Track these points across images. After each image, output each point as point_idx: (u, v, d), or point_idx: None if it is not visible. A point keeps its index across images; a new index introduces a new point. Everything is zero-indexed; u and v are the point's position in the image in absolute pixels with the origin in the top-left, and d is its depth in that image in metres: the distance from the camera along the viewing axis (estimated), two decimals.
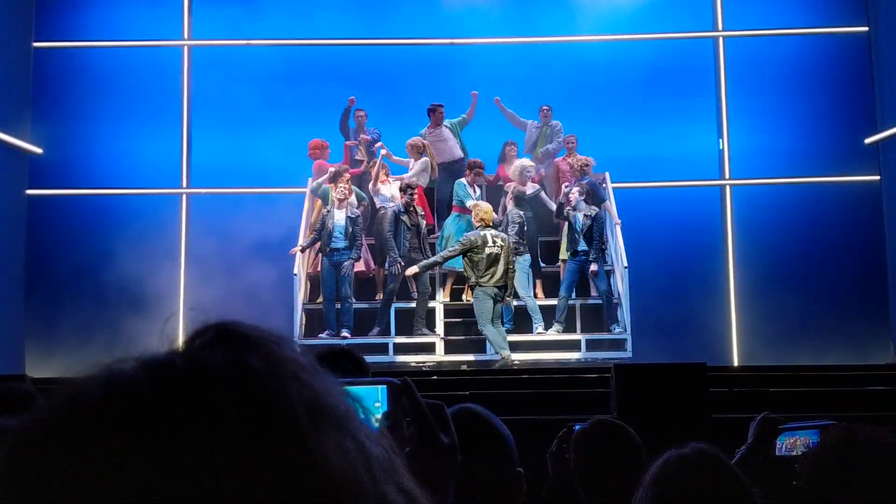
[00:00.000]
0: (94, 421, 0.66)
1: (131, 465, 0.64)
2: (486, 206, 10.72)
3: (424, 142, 12.29)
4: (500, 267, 10.35)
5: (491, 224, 10.55)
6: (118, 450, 0.64)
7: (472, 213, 10.72)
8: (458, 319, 11.45)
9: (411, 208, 11.18)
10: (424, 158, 12.17)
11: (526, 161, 12.03)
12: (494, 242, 10.39)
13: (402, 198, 11.22)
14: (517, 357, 10.93)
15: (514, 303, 11.21)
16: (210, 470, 0.64)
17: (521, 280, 11.26)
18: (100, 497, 0.63)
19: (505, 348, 10.47)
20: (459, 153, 12.39)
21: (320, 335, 11.38)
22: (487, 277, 10.32)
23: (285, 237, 12.25)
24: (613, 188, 12.35)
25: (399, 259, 11.08)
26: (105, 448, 0.65)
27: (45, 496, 0.64)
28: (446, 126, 12.42)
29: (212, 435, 0.66)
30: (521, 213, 11.44)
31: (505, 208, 11.72)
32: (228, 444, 0.66)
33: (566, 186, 11.69)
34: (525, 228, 11.42)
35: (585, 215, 11.24)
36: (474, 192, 11.72)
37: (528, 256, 11.42)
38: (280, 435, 0.67)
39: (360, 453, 0.70)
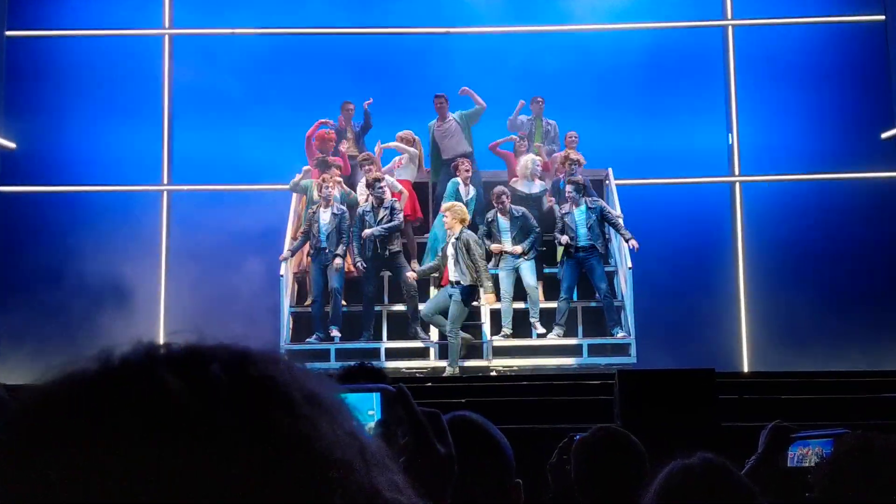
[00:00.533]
0: (98, 394, 0.69)
1: (127, 449, 0.65)
2: (463, 206, 10.86)
3: (415, 137, 12.30)
4: None
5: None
6: (118, 435, 0.66)
7: (451, 215, 10.63)
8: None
9: (380, 204, 11.13)
10: (412, 151, 12.19)
11: (534, 156, 12.13)
12: None
13: (368, 195, 11.27)
14: (515, 363, 11.00)
15: (514, 305, 11.28)
16: (203, 446, 0.66)
17: (530, 273, 11.31)
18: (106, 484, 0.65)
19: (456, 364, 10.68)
20: (466, 147, 12.19)
21: (308, 339, 11.37)
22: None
23: (272, 236, 12.19)
24: (617, 185, 12.33)
25: (359, 260, 11.16)
26: (107, 434, 0.66)
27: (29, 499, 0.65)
28: (454, 119, 12.24)
29: (206, 409, 0.68)
30: (523, 209, 11.47)
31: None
32: (222, 418, 0.68)
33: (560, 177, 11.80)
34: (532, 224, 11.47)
35: (590, 208, 11.19)
36: (468, 191, 11.73)
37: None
38: (275, 407, 0.70)
39: (353, 439, 0.73)
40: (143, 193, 13.34)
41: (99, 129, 13.22)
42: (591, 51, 13.44)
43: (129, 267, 12.71)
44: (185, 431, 0.66)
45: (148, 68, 13.41)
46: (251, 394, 0.70)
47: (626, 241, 11.04)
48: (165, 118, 13.38)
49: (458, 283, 10.50)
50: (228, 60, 13.41)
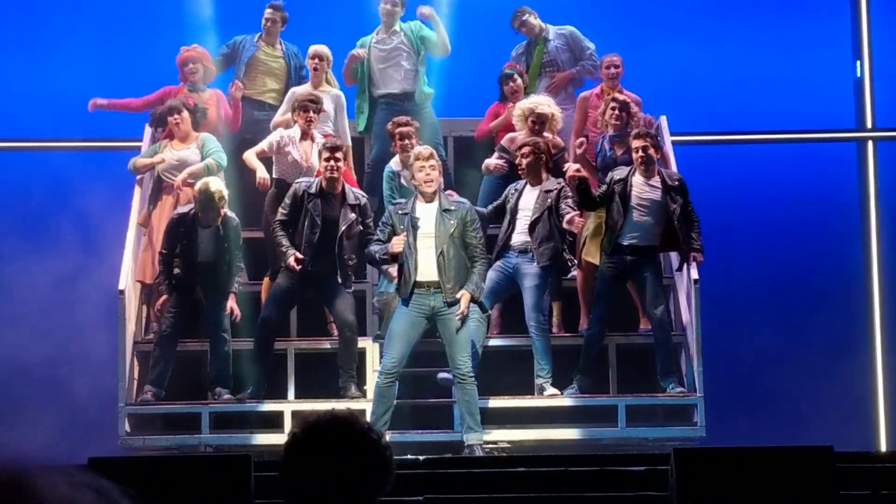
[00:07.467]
0: None
1: None
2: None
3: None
4: None
5: None
6: None
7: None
8: (406, 369, 10.96)
9: (334, 184, 10.96)
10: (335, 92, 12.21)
11: (540, 99, 11.75)
12: None
13: (323, 165, 11.03)
14: (504, 435, 11.06)
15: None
16: None
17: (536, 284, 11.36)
18: None
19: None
20: (411, 83, 12.22)
21: (143, 395, 11.02)
22: None
23: (113, 231, 12.10)
24: (674, 142, 12.28)
25: (291, 259, 10.90)
26: None
27: None
28: (401, 30, 12.25)
29: None
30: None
31: None
32: None
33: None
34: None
35: (669, 185, 10.93)
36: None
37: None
38: None
39: None
40: None
41: None
42: None
43: None
44: None
45: None
46: None
47: (690, 250, 11.01)
48: None
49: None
50: None
